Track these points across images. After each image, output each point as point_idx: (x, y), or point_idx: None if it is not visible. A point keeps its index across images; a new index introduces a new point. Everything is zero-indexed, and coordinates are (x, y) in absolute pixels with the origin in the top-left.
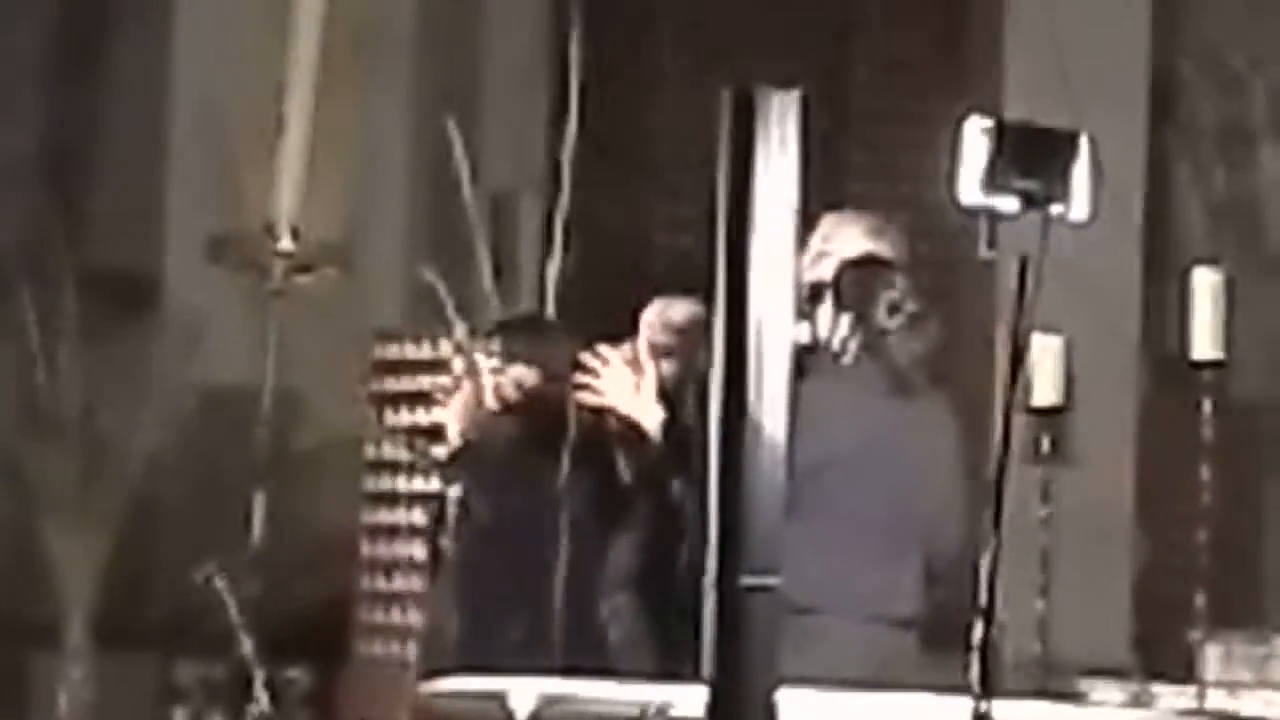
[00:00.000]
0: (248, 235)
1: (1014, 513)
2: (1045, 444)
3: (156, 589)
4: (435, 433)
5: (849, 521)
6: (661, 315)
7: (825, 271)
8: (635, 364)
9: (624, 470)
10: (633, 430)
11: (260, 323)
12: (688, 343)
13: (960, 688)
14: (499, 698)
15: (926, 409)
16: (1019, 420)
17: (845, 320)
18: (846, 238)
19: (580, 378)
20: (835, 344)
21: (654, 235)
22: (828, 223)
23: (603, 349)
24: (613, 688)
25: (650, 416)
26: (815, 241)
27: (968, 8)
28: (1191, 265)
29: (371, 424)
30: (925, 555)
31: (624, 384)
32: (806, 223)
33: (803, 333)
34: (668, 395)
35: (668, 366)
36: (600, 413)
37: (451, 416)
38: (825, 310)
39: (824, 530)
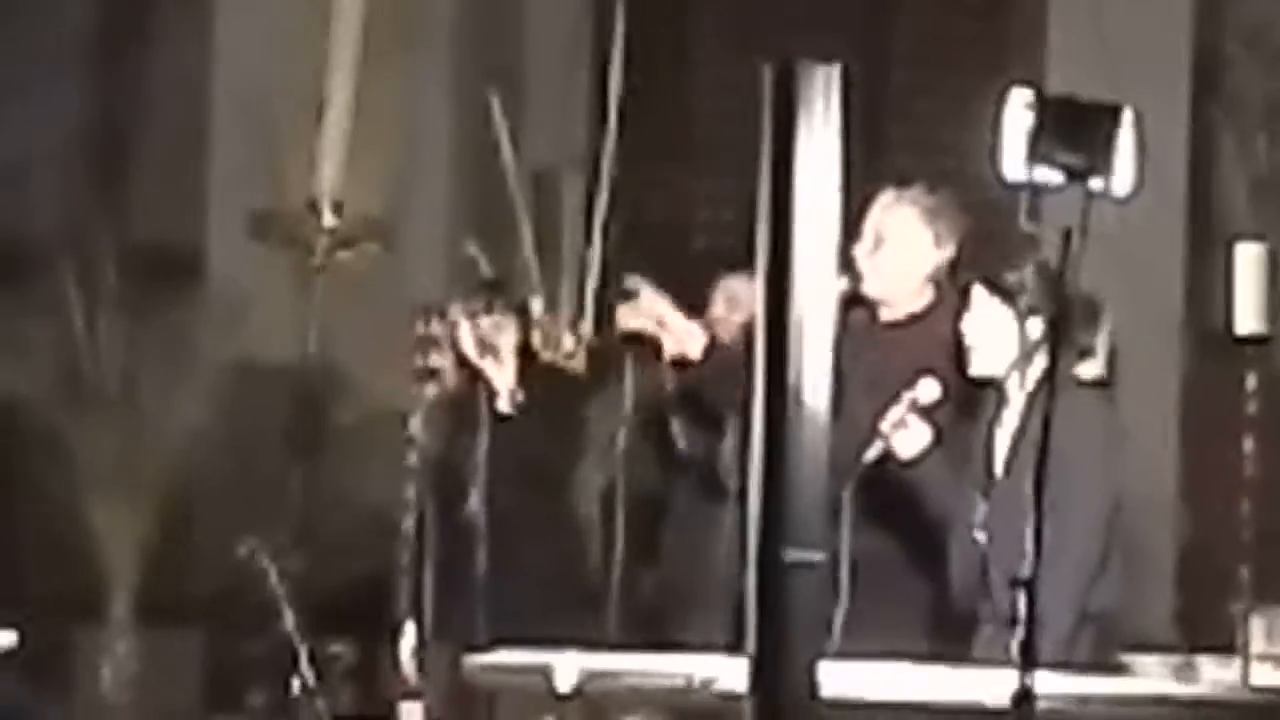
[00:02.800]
0: (290, 211)
1: None
2: None
3: (200, 564)
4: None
5: None
6: (727, 291)
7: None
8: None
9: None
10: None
11: (303, 298)
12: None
13: (1003, 661)
14: (543, 671)
15: None
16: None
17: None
18: (902, 222)
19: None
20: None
21: (696, 211)
22: (881, 207)
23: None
24: (656, 661)
25: (693, 340)
26: (869, 229)
27: None
28: (1235, 240)
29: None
30: None
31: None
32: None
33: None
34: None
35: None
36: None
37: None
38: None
39: None
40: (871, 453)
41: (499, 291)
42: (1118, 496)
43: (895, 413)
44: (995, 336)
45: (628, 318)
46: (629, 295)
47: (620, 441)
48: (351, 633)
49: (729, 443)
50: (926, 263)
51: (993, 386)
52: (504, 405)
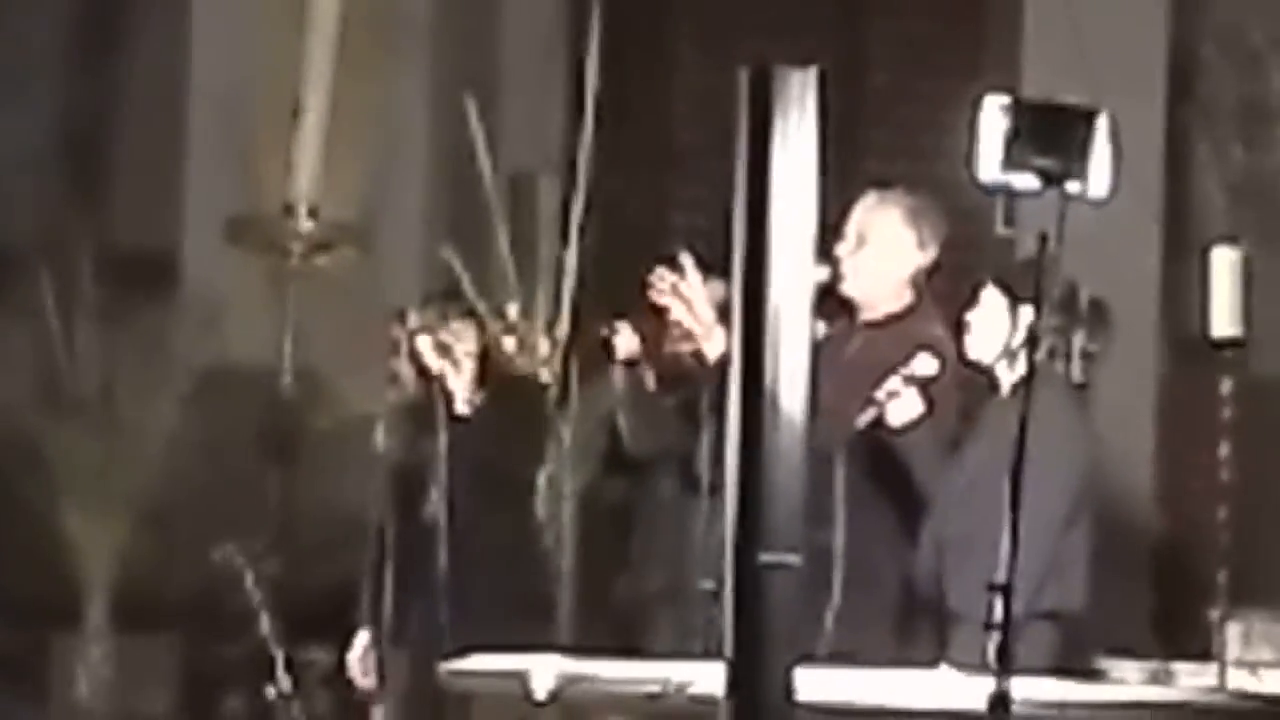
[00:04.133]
0: (266, 216)
1: None
2: None
3: (176, 569)
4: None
5: None
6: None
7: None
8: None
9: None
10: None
11: (278, 303)
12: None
13: (980, 665)
14: (519, 676)
15: None
16: None
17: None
18: (885, 223)
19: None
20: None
21: (672, 215)
22: (864, 207)
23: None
24: (632, 666)
25: (714, 342)
26: (852, 229)
27: None
28: (1211, 244)
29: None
30: None
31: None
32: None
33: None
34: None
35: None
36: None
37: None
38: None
39: None
40: (864, 419)
41: (456, 299)
42: (1089, 499)
43: (891, 383)
44: (994, 329)
45: (662, 298)
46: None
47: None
48: (327, 638)
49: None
50: (908, 264)
51: (985, 375)
52: (461, 410)
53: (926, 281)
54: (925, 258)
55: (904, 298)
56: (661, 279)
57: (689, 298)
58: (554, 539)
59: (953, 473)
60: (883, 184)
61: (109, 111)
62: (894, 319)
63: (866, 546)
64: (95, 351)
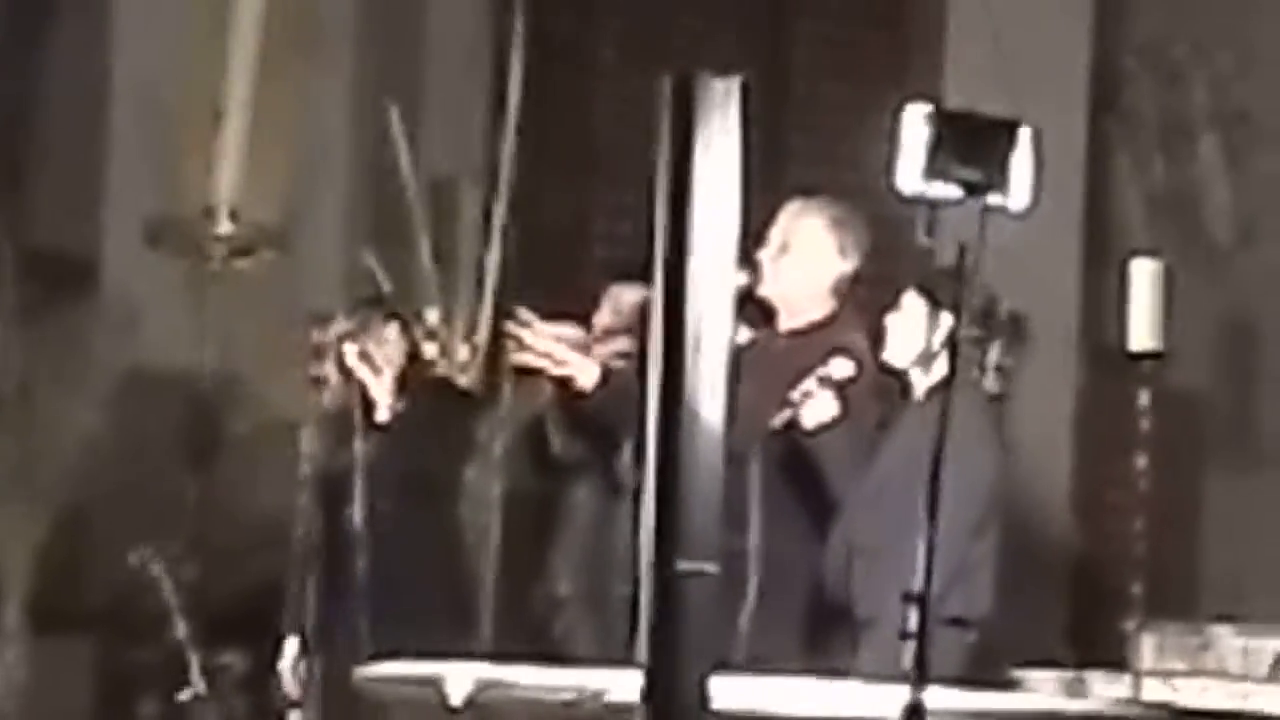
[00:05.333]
0: (186, 219)
1: None
2: None
3: (92, 572)
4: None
5: None
6: (614, 299)
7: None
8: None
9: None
10: (566, 390)
11: (198, 306)
12: (639, 327)
13: (896, 675)
14: (434, 682)
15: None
16: None
17: None
18: (809, 230)
19: (515, 337)
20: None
21: (595, 221)
22: (788, 214)
23: (524, 314)
24: (548, 673)
25: (585, 373)
26: (776, 234)
27: None
28: (1130, 256)
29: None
30: None
31: (553, 344)
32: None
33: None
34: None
35: (620, 350)
36: (534, 373)
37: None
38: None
39: None
40: (778, 420)
41: (378, 305)
42: (999, 507)
43: (806, 384)
44: (911, 334)
45: (518, 355)
46: (522, 324)
47: (505, 451)
48: (243, 642)
49: (623, 453)
50: (830, 272)
51: (900, 380)
52: (382, 416)
53: (849, 291)
54: (847, 266)
55: (826, 306)
56: (511, 338)
57: (540, 347)
58: (474, 545)
59: (863, 477)
60: (807, 192)
61: (28, 111)
62: (816, 327)
63: (779, 550)
64: (13, 352)
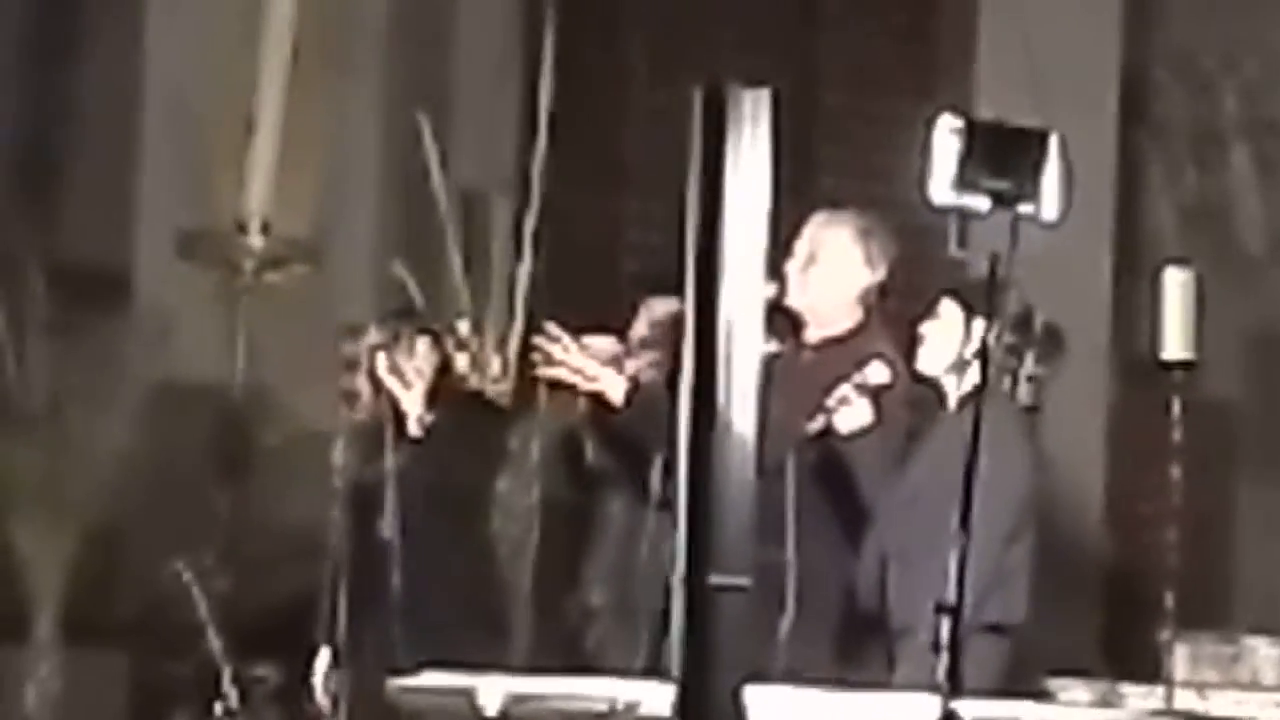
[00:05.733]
0: (218, 231)
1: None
2: None
3: (125, 584)
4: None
5: None
6: (650, 311)
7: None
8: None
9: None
10: (597, 403)
11: (230, 318)
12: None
13: (929, 686)
14: (467, 694)
15: None
16: None
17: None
18: (835, 241)
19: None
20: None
21: (626, 232)
22: (815, 225)
23: (553, 328)
24: (581, 685)
25: (614, 387)
26: (802, 246)
27: (939, 6)
28: (1162, 265)
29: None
30: None
31: (583, 360)
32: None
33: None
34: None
35: (652, 362)
36: (566, 387)
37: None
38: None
39: None
40: (813, 425)
41: (409, 317)
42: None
43: (843, 389)
44: (947, 342)
45: (548, 370)
46: (552, 339)
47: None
48: (276, 655)
49: (655, 467)
50: (857, 283)
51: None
52: (413, 428)
53: (877, 302)
54: (874, 276)
55: (853, 316)
56: (538, 353)
57: (569, 362)
58: (506, 556)
59: (897, 485)
60: (834, 203)
61: (61, 125)
62: (843, 337)
63: (813, 561)
64: (45, 366)
